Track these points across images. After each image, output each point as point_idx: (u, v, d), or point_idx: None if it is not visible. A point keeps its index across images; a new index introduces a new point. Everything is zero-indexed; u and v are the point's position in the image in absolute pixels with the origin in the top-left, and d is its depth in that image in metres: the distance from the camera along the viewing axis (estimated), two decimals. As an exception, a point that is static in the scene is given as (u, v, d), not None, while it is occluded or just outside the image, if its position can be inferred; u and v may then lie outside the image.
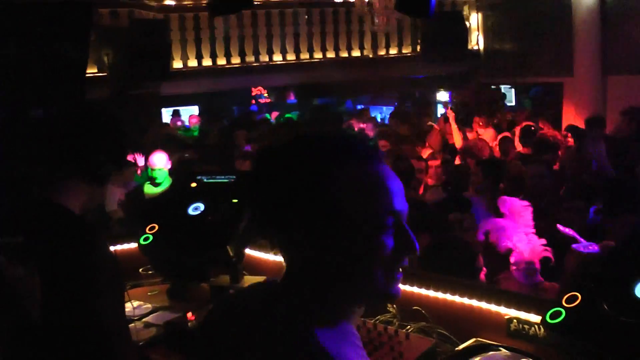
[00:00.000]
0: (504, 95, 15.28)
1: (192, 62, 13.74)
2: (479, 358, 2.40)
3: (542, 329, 2.45)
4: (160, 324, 2.95)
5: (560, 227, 4.34)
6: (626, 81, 11.95)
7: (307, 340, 1.34)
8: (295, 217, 1.37)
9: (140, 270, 3.57)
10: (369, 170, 1.39)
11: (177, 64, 13.54)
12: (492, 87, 15.06)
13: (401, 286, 2.85)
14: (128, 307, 2.34)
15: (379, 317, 2.83)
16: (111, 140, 2.25)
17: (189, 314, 2.83)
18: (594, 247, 4.23)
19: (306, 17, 14.65)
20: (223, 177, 3.35)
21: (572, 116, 11.21)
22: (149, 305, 3.20)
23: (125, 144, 2.32)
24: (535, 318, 2.50)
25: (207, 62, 13.82)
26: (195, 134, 12.28)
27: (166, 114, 14.37)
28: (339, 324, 1.40)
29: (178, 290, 3.33)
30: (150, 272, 3.54)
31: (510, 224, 4.01)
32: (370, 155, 1.41)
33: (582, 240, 4.37)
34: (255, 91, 15.93)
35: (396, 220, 1.39)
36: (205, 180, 3.37)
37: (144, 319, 3.05)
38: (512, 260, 3.84)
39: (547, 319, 1.91)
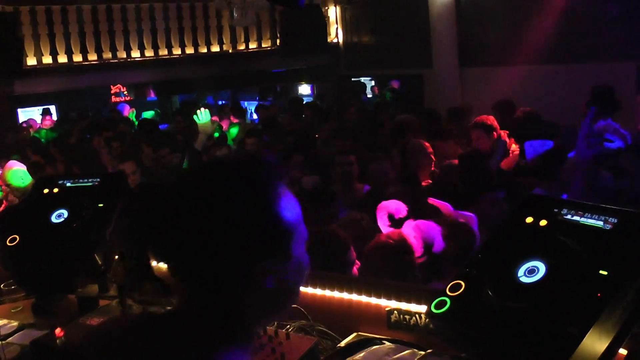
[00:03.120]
0: (364, 87, 15.58)
1: (47, 59, 13.13)
2: (363, 353, 2.38)
3: (422, 319, 2.47)
4: (26, 344, 2.74)
5: (430, 200, 4.53)
6: (480, 73, 12.48)
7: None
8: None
9: (2, 285, 3.33)
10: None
11: (31, 60, 12.90)
12: (353, 79, 15.32)
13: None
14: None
15: (258, 318, 2.76)
16: None
17: (57, 330, 2.65)
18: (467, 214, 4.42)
19: (163, 12, 14.33)
20: (87, 180, 3.16)
21: (432, 107, 11.54)
22: (15, 324, 2.97)
23: None
24: (415, 308, 2.52)
25: (62, 58, 13.26)
26: (43, 134, 11.63)
27: (22, 115, 13.61)
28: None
29: (44, 305, 3.11)
30: (13, 287, 3.30)
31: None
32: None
33: (451, 210, 4.54)
34: (114, 89, 15.42)
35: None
36: (68, 184, 3.17)
37: (8, 339, 2.83)
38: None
39: (432, 309, 1.90)
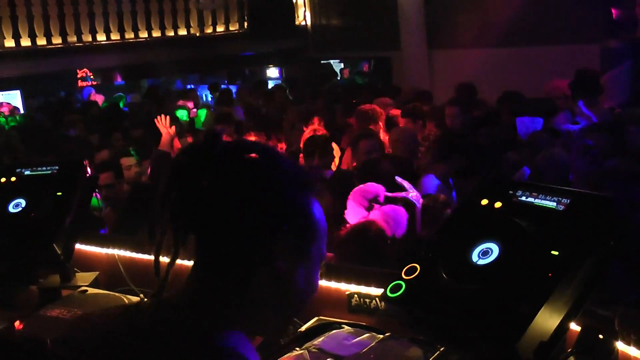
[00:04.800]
0: (333, 71, 15.57)
1: (9, 42, 12.92)
2: (322, 338, 2.39)
3: (383, 302, 2.48)
4: (-16, 338, 2.71)
5: (397, 178, 4.50)
6: (449, 55, 12.53)
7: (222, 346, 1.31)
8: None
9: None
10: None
11: (-7, 44, 12.69)
12: (322, 62, 15.29)
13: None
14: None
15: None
16: None
17: (17, 323, 2.62)
18: (413, 195, 4.39)
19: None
20: (45, 168, 3.12)
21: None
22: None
23: None
24: (375, 291, 2.53)
25: (25, 42, 13.03)
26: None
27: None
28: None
29: (4, 297, 3.07)
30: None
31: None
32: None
33: (410, 189, 4.52)
34: (80, 73, 15.23)
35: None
36: (26, 173, 3.12)
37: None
38: None
39: (388, 293, 1.91)
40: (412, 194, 4.39)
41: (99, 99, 12.99)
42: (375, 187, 4.44)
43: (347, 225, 4.13)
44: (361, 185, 4.47)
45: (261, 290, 1.38)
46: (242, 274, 1.36)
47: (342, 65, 16.04)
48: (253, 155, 1.39)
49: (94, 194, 3.24)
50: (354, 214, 4.31)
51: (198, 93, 13.48)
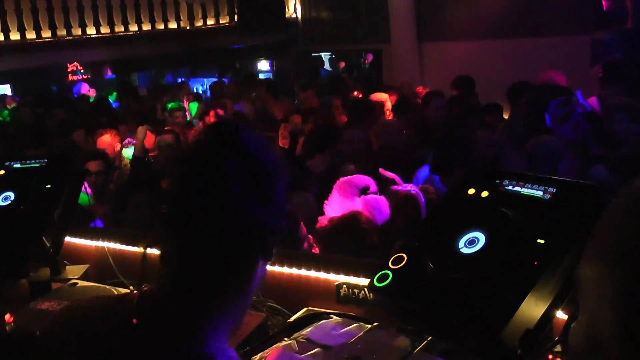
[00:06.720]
0: (322, 62, 15.56)
1: (-2, 36, 12.88)
2: (310, 328, 2.40)
3: (370, 292, 2.49)
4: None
5: (381, 170, 4.48)
6: (439, 47, 12.53)
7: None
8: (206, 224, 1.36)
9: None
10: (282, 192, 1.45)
11: (-19, 38, 12.63)
12: (313, 54, 15.27)
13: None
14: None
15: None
16: None
17: (7, 316, 2.62)
18: (412, 187, 4.38)
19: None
20: (34, 161, 3.11)
21: (391, 82, 11.56)
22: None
23: None
24: (363, 282, 2.54)
25: (15, 36, 12.97)
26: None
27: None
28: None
29: (-5, 291, 3.08)
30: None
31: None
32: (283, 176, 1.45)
33: (401, 182, 4.52)
34: (71, 67, 15.15)
35: None
36: (15, 166, 3.11)
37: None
38: None
39: (375, 282, 1.92)
40: (410, 188, 4.38)
41: (92, 93, 12.91)
42: (365, 179, 4.45)
43: (329, 217, 4.11)
44: (349, 177, 4.48)
45: (237, 289, 1.43)
46: (228, 273, 1.41)
47: (329, 57, 16.04)
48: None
49: (83, 190, 3.22)
50: (339, 205, 4.32)
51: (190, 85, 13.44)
